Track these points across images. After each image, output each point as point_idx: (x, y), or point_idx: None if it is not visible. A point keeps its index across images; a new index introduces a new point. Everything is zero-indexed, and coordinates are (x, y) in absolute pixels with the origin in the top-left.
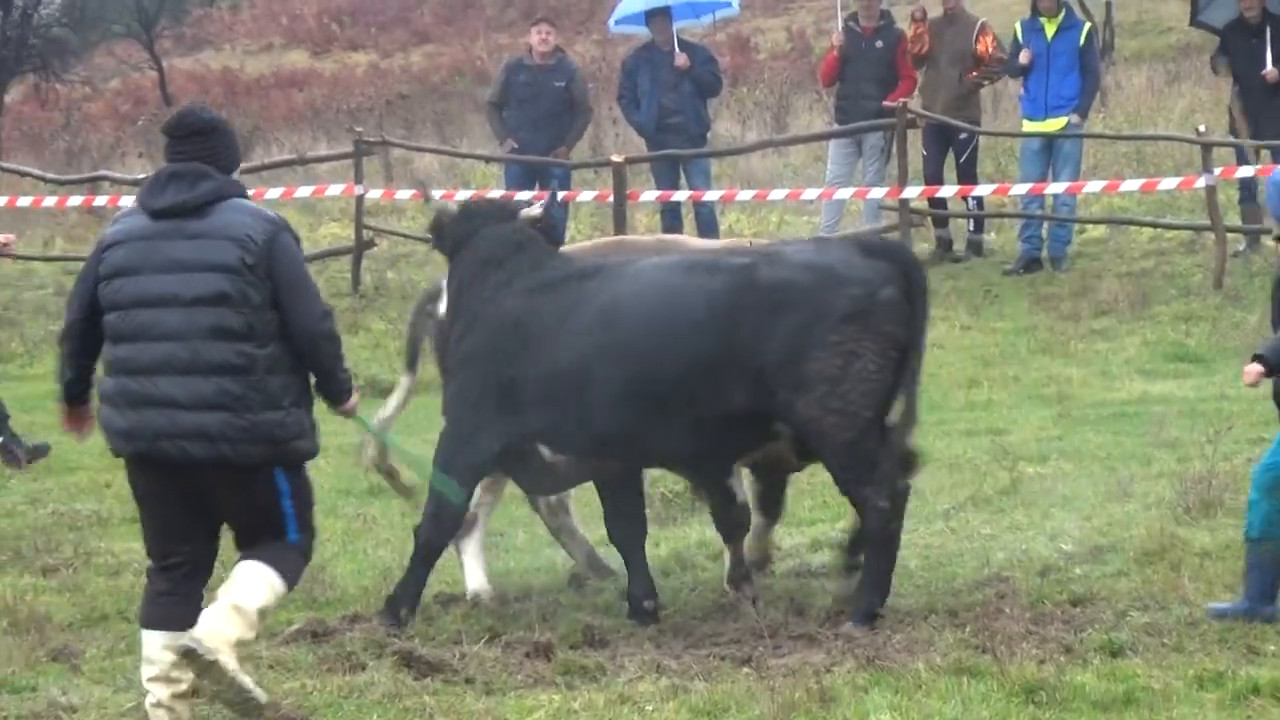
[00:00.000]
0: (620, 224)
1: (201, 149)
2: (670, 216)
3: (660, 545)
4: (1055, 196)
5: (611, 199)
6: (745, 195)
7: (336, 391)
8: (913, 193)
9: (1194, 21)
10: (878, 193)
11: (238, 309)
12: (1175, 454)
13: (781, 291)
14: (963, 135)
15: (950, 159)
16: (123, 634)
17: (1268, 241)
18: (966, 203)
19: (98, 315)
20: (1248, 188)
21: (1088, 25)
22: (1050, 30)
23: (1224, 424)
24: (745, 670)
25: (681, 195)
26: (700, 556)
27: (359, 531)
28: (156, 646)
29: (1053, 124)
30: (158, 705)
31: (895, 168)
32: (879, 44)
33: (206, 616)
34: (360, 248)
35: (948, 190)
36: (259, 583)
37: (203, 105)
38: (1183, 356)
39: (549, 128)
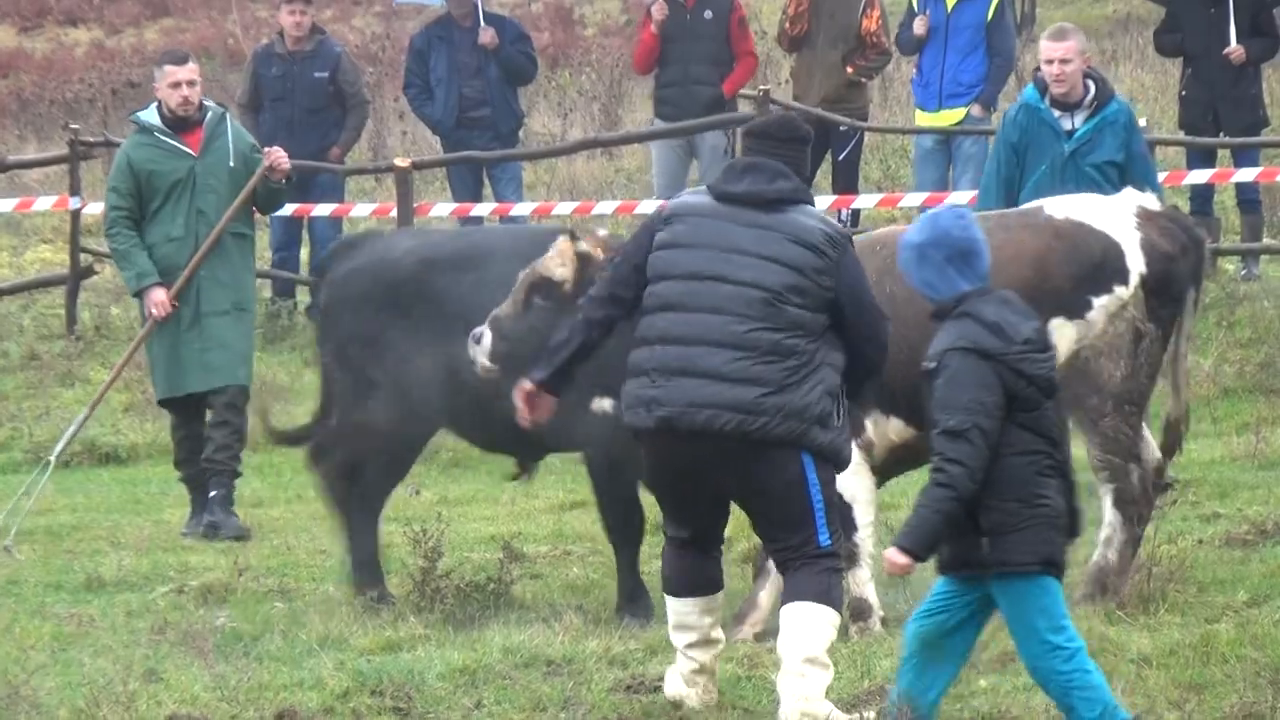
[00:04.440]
0: None
1: (788, 155)
2: None
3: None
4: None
5: (395, 213)
6: (565, 208)
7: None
8: None
9: None
10: None
11: (785, 304)
12: None
13: None
14: (843, 127)
15: (827, 164)
16: None
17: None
18: (840, 215)
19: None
20: (1201, 197)
21: None
22: None
23: (1169, 495)
24: None
25: (484, 208)
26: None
27: (72, 636)
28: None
29: (949, 116)
30: (701, 671)
31: None
32: (708, 14)
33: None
34: (77, 277)
35: (821, 201)
36: (816, 622)
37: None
38: None
39: (312, 130)
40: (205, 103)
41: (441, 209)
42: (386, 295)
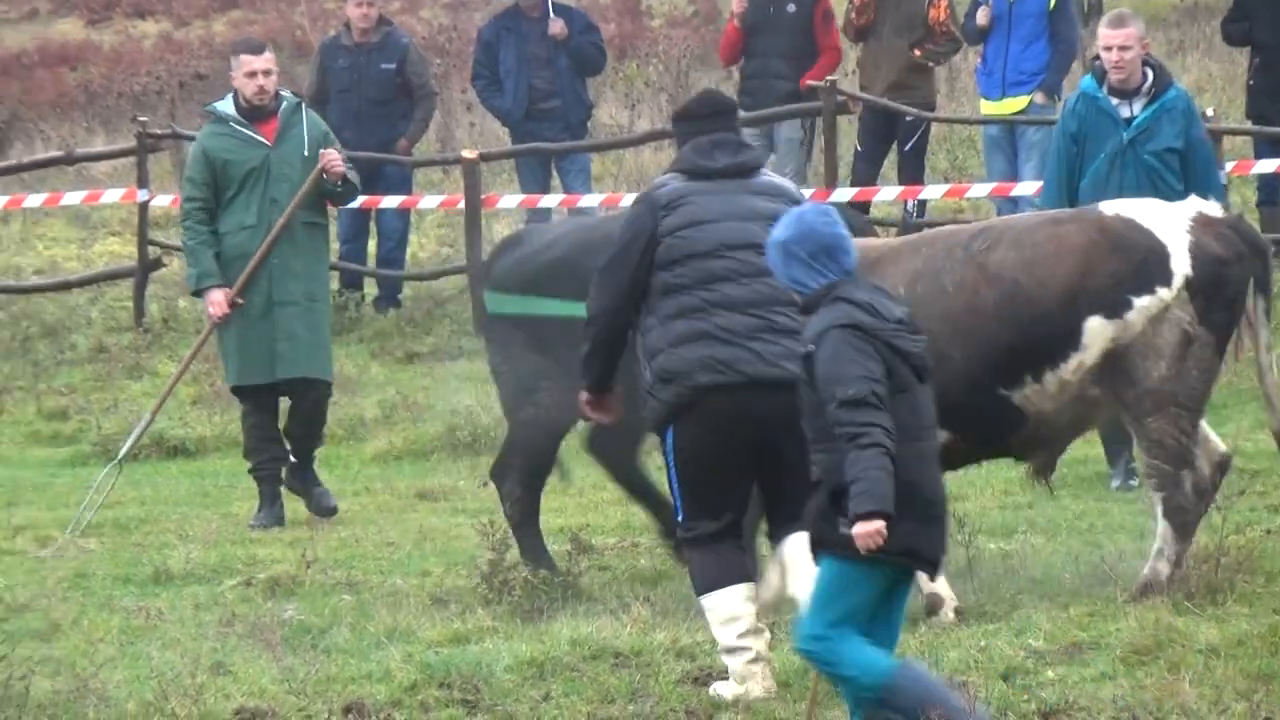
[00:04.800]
0: (473, 235)
1: (726, 125)
2: None
3: None
4: (1020, 199)
5: (462, 204)
6: (633, 200)
7: None
8: (845, 195)
9: None
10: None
11: None
12: None
13: None
14: (909, 118)
15: (893, 154)
16: None
17: None
18: (906, 206)
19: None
20: (1269, 186)
21: None
22: None
23: (1237, 486)
24: None
25: (552, 200)
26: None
27: (140, 629)
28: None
29: (1012, 104)
30: (757, 659)
31: (823, 164)
32: (791, 8)
33: None
34: (145, 269)
35: (888, 192)
36: None
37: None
38: None
39: (379, 122)
40: (280, 92)
41: (509, 201)
42: (540, 283)
